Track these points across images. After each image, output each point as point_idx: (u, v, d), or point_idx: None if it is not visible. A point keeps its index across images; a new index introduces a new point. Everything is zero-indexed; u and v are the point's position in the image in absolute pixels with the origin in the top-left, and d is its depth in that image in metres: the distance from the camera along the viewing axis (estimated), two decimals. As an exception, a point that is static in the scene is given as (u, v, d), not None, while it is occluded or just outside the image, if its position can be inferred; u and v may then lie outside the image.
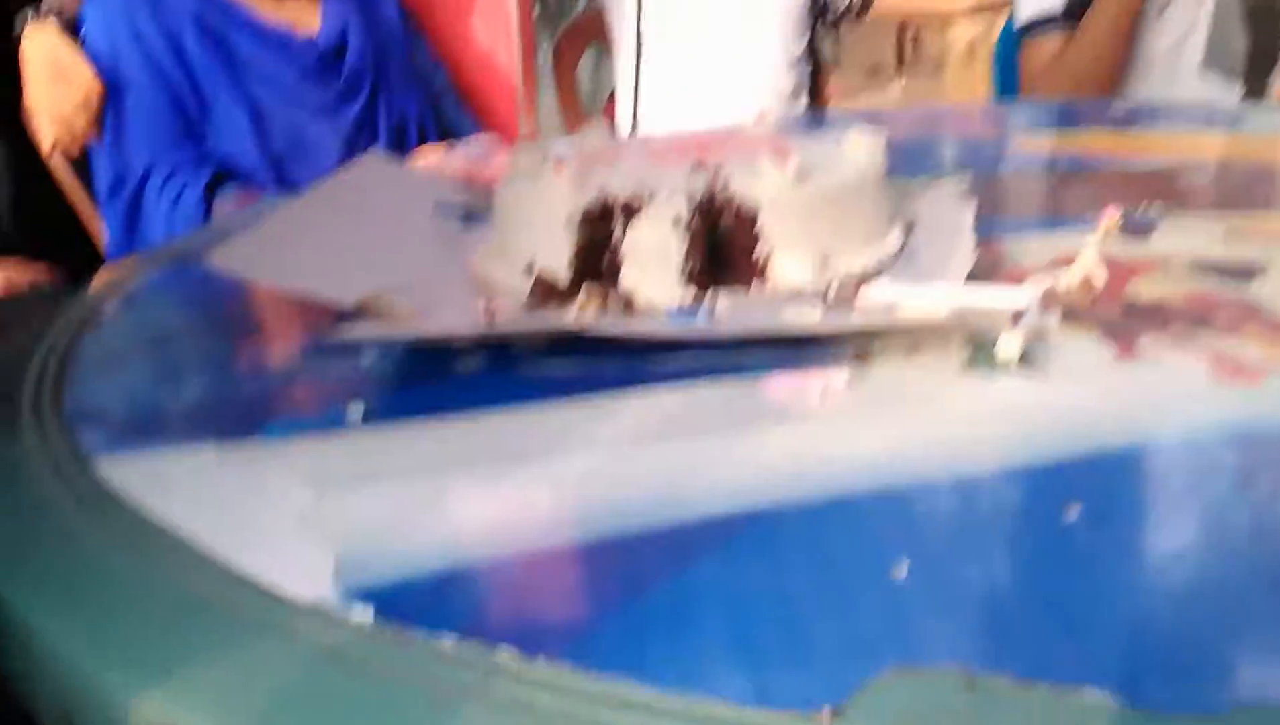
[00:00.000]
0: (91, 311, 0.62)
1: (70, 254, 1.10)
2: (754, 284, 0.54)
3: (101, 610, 0.35)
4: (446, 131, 1.24)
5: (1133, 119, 1.07)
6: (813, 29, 1.65)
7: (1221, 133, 0.99)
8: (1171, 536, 0.36)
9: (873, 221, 0.58)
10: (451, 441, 0.43)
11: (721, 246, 0.55)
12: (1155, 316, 0.50)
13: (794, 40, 1.63)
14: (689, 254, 0.53)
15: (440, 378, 0.49)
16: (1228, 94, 1.27)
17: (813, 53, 1.67)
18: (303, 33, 1.15)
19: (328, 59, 1.16)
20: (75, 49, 1.07)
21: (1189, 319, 0.50)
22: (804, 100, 1.67)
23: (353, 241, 0.61)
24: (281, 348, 0.60)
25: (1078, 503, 0.36)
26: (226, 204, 1.06)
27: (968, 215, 0.61)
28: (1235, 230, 0.64)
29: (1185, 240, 0.62)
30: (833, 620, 0.32)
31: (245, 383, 0.54)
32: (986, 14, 1.60)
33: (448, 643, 0.31)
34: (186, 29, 1.09)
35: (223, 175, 1.08)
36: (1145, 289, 0.54)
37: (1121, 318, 0.50)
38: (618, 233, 0.54)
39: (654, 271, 0.54)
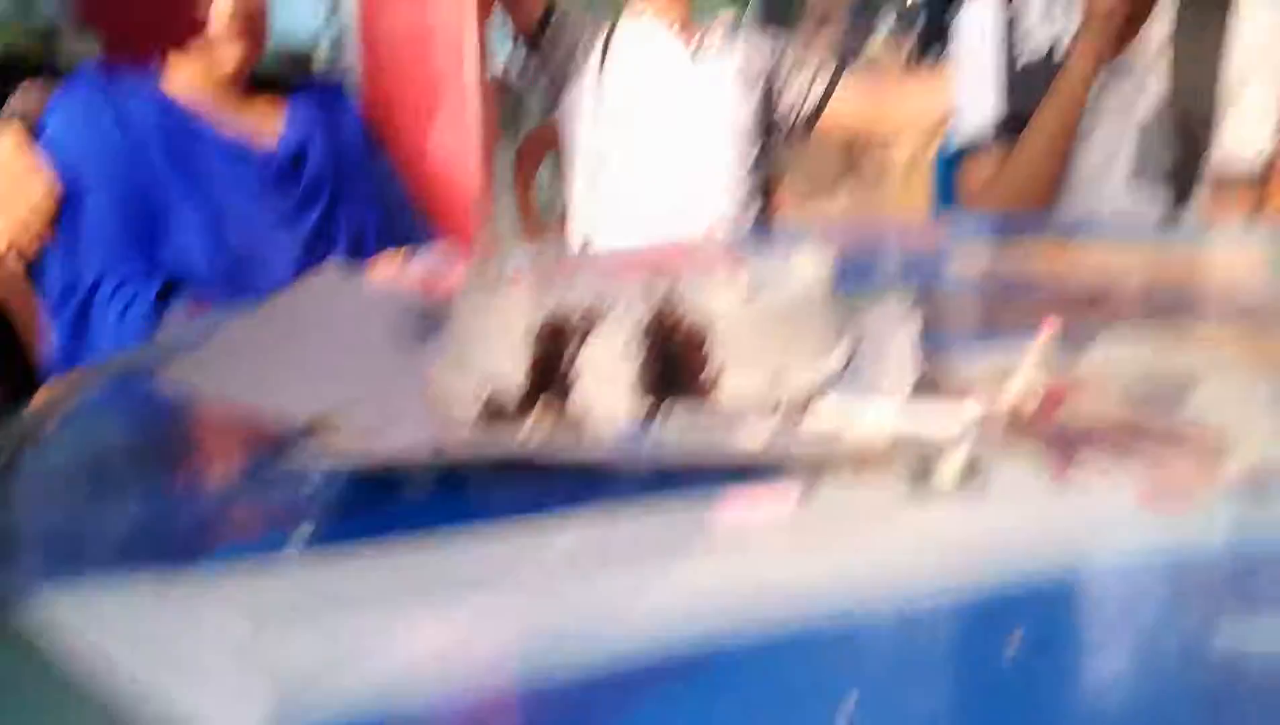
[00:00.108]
0: (31, 430, 0.62)
1: (8, 370, 1.09)
2: (707, 400, 0.55)
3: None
4: (404, 240, 1.25)
5: (1069, 231, 1.11)
6: (763, 142, 1.72)
7: (1154, 246, 1.03)
8: (1101, 664, 0.36)
9: (821, 337, 0.60)
10: (397, 569, 0.43)
11: (674, 362, 0.56)
12: (1088, 439, 0.52)
13: (746, 152, 1.69)
14: (642, 370, 0.55)
15: (388, 500, 0.49)
16: (1155, 203, 1.33)
17: (763, 164, 1.72)
18: (263, 143, 1.17)
19: (286, 169, 1.17)
20: (35, 151, 1.08)
21: (1118, 443, 0.52)
22: (755, 208, 1.72)
23: (309, 355, 0.61)
24: (226, 469, 0.60)
25: (1018, 630, 0.36)
26: (177, 315, 1.06)
27: (912, 330, 0.63)
28: (1167, 347, 0.67)
29: (1120, 354, 0.65)
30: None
31: (186, 507, 0.53)
32: (926, 131, 1.68)
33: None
34: (150, 137, 1.10)
35: (174, 285, 1.08)
36: (1081, 408, 0.56)
37: (1057, 439, 0.52)
38: (572, 348, 0.55)
39: (607, 387, 0.55)
